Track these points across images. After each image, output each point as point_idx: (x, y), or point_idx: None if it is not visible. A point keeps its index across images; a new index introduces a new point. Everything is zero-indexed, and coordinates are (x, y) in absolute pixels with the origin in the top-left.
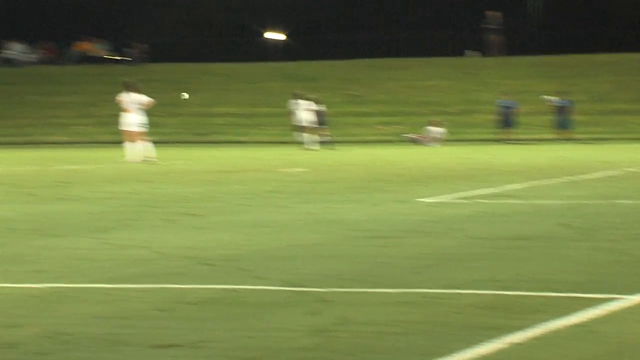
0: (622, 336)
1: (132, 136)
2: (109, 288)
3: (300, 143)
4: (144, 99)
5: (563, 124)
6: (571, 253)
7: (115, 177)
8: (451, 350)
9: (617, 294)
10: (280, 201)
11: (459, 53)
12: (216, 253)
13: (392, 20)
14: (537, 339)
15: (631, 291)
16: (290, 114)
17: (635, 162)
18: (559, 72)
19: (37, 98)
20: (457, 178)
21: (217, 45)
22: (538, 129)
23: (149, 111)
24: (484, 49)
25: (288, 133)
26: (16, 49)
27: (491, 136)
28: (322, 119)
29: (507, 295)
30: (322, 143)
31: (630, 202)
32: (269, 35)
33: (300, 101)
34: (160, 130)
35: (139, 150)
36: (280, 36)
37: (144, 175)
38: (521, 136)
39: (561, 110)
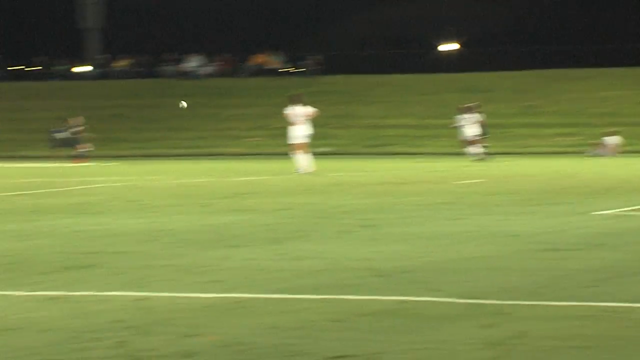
0: None
1: (301, 148)
2: (284, 299)
3: (470, 155)
4: (309, 110)
5: None
6: None
7: (289, 188)
8: None
9: None
10: (454, 213)
11: (636, 63)
12: (390, 265)
13: (566, 31)
14: None
15: None
16: (456, 128)
17: None
18: None
19: (212, 110)
20: (635, 190)
21: (391, 57)
22: None
23: (321, 123)
24: None
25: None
26: (194, 62)
27: None
28: (483, 129)
29: None
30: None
31: None
32: (443, 46)
33: (466, 115)
34: (334, 142)
35: (308, 161)
36: (455, 47)
37: (317, 186)
38: None
39: None
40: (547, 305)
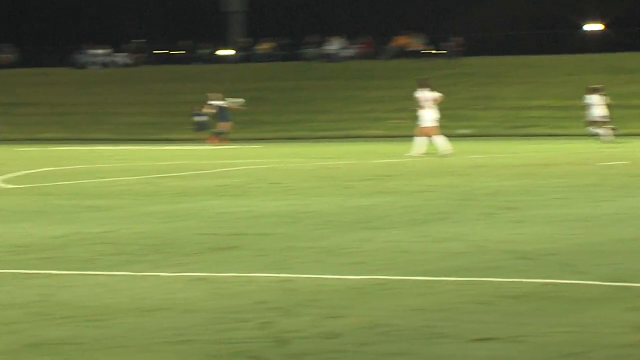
0: None
1: (430, 131)
2: (427, 281)
3: (595, 136)
4: (435, 95)
5: None
6: None
7: (431, 170)
8: None
9: None
10: (600, 195)
11: None
12: (535, 247)
13: None
14: None
15: None
16: (585, 108)
17: None
18: None
19: (353, 92)
20: None
21: (533, 37)
22: None
23: (462, 104)
24: None
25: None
26: (335, 44)
27: None
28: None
29: None
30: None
31: None
32: (588, 27)
33: (594, 96)
34: (474, 124)
35: (443, 143)
36: (599, 27)
37: (459, 168)
38: None
39: None
40: None
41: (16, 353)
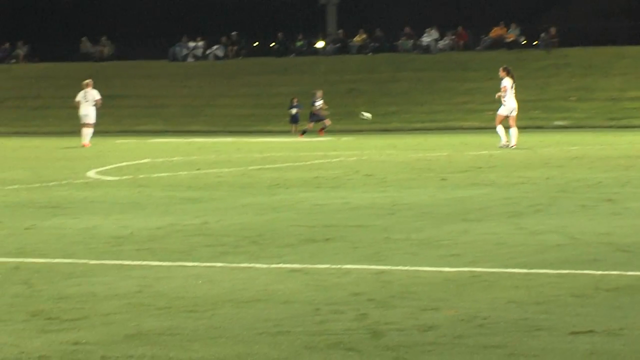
0: None
1: (510, 121)
2: (524, 273)
3: None
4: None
5: None
6: None
7: (526, 162)
8: None
9: None
10: None
11: None
12: (634, 239)
13: None
14: None
15: None
16: None
17: None
18: None
19: (448, 84)
20: None
21: (630, 28)
22: None
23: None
24: None
25: None
26: (430, 36)
27: None
28: None
29: None
30: None
31: None
32: None
33: None
34: (571, 115)
35: (514, 135)
36: None
37: (556, 160)
38: None
39: None
40: None
41: (115, 344)
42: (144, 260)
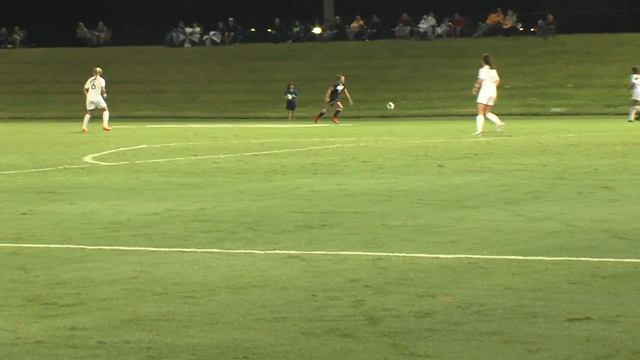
0: None
1: (483, 109)
2: (521, 260)
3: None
4: (496, 75)
5: None
6: None
7: (523, 149)
8: None
9: None
10: None
11: None
12: (631, 226)
13: None
14: None
15: None
16: (629, 87)
17: None
18: None
19: (446, 71)
20: None
21: (628, 15)
22: None
23: (556, 82)
24: None
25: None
26: (427, 23)
27: None
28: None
29: None
30: None
31: None
32: None
33: (634, 76)
34: (568, 102)
35: (495, 121)
36: None
37: (553, 147)
38: None
39: None
40: None
41: (112, 329)
42: (141, 245)
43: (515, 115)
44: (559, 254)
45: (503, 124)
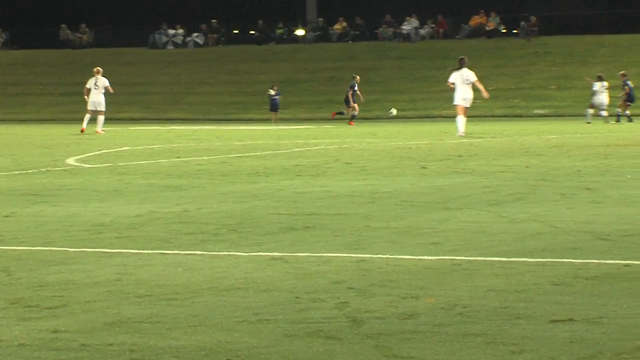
0: None
1: (461, 110)
2: (505, 261)
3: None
4: (472, 76)
5: None
6: None
7: (507, 150)
8: None
9: None
10: None
11: None
12: (613, 228)
13: None
14: None
15: None
16: (592, 94)
17: None
18: None
19: (429, 72)
20: None
21: (610, 16)
22: None
23: (539, 84)
24: None
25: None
26: (410, 24)
27: None
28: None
29: None
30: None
31: None
32: None
33: (598, 83)
34: (551, 104)
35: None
36: None
37: (536, 148)
38: None
39: None
40: None
41: (95, 331)
42: (124, 248)
43: (498, 116)
44: (542, 255)
45: (464, 133)
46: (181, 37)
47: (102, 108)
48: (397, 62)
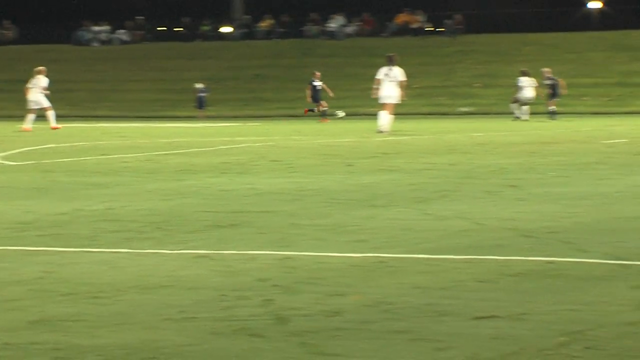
0: None
1: (389, 108)
2: (430, 258)
3: (514, 114)
4: (399, 75)
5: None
6: None
7: (432, 148)
8: None
9: None
10: (601, 173)
11: None
12: (537, 225)
13: None
14: None
15: None
16: (516, 90)
17: None
18: None
19: (355, 70)
20: None
21: (535, 15)
22: None
23: (464, 82)
24: None
25: (608, 104)
26: (337, 22)
27: None
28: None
29: None
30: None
31: None
32: (591, 4)
33: (523, 78)
34: (476, 102)
35: (388, 121)
36: (598, 5)
37: (461, 146)
38: None
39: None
40: None
41: (19, 330)
42: (48, 246)
43: (424, 114)
44: (467, 252)
45: (386, 131)
46: (106, 34)
47: (41, 106)
48: (323, 60)
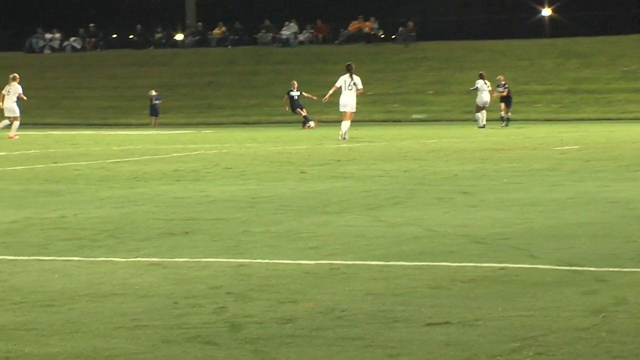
0: None
1: (347, 116)
2: (382, 265)
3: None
4: (358, 83)
5: None
6: None
7: (385, 155)
8: None
9: None
10: (553, 179)
11: None
12: (489, 231)
13: None
14: None
15: None
16: (476, 93)
17: None
18: None
19: (309, 77)
20: None
21: (486, 22)
22: None
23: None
24: None
25: (559, 110)
26: (290, 29)
27: None
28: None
29: None
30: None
31: None
32: (541, 11)
33: (481, 82)
34: (428, 109)
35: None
36: (547, 12)
37: (414, 153)
38: None
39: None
40: None
41: None
42: None
43: (377, 121)
44: (420, 259)
45: (346, 138)
46: (58, 42)
47: (16, 114)
48: (276, 67)
